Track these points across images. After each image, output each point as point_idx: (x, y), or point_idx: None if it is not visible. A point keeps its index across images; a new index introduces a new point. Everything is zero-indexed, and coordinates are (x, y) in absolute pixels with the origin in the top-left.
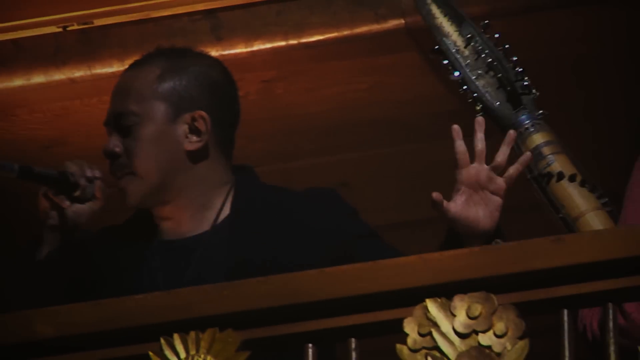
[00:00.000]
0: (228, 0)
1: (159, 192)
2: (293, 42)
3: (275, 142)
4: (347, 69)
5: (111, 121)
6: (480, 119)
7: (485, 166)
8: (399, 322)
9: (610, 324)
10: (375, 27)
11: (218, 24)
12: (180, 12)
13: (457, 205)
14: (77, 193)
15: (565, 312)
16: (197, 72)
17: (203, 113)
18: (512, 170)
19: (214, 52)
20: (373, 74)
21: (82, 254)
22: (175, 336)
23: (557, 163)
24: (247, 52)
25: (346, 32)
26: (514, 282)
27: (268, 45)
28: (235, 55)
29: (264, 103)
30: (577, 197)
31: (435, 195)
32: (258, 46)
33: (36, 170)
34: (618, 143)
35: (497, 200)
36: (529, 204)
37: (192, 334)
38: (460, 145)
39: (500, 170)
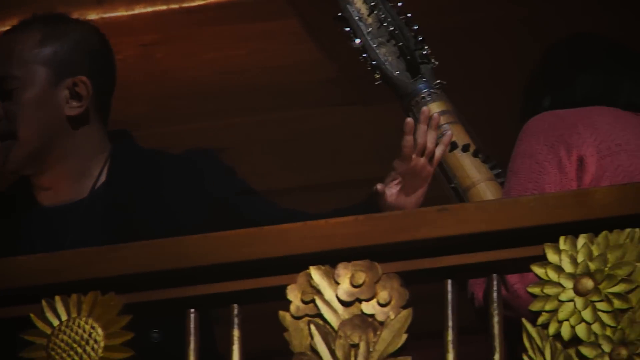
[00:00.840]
0: None
1: (38, 157)
2: (174, 6)
3: (154, 106)
4: (227, 34)
5: None
6: (425, 110)
7: (422, 158)
8: (282, 289)
9: (494, 295)
10: None
11: None
12: None
13: (392, 195)
14: None
15: (449, 282)
16: (78, 38)
17: (84, 78)
18: (438, 152)
19: (95, 15)
20: (253, 40)
21: None
22: (57, 298)
23: (452, 132)
24: (128, 16)
25: None
26: (398, 251)
27: (149, 9)
28: (116, 18)
29: (143, 67)
30: (469, 167)
31: (380, 187)
32: (139, 9)
33: None
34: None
35: (425, 186)
36: None
37: (74, 296)
38: (408, 140)
39: (430, 153)
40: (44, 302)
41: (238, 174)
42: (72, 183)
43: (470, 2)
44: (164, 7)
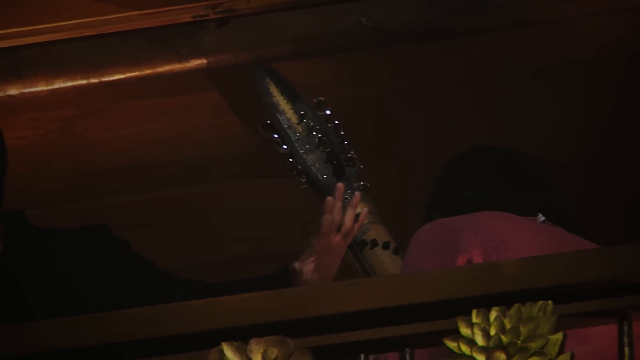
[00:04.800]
0: (29, 38)
1: None
2: (94, 80)
3: (75, 182)
4: (147, 108)
5: None
6: (340, 187)
7: (338, 235)
8: None
9: None
10: (177, 66)
11: (19, 62)
12: None
13: (308, 272)
14: None
15: (362, 356)
16: None
17: None
18: (355, 228)
19: (14, 90)
20: (174, 114)
21: None
22: None
23: (373, 231)
24: (48, 90)
25: (147, 71)
26: (311, 325)
27: (69, 84)
28: (36, 93)
29: (64, 142)
30: (388, 264)
31: (297, 265)
32: (59, 84)
33: None
34: (415, 186)
35: (338, 262)
36: None
37: None
38: (327, 218)
39: (347, 230)
40: None
41: (131, 248)
42: None
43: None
44: (84, 82)
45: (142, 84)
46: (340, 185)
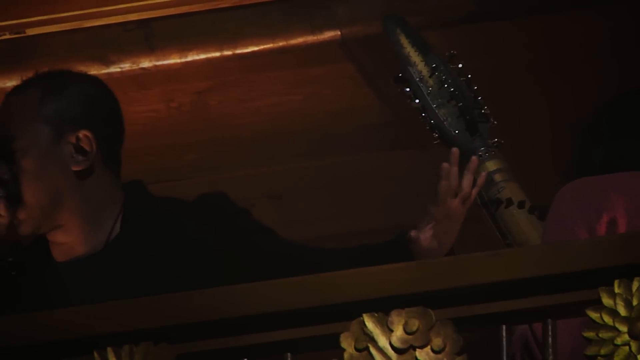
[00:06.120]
0: (162, 10)
1: (49, 216)
2: (227, 52)
3: (208, 154)
4: (281, 80)
5: None
6: (455, 151)
7: (457, 200)
8: (335, 337)
9: (549, 340)
10: (310, 38)
11: (151, 34)
12: (113, 22)
13: (426, 239)
14: None
15: (504, 327)
16: (77, 91)
17: (87, 132)
18: (473, 194)
19: (148, 63)
20: (307, 85)
21: None
22: (109, 349)
23: (507, 190)
24: (181, 63)
25: (281, 43)
26: (452, 297)
27: (202, 56)
28: (169, 65)
29: (197, 114)
30: (524, 224)
31: (414, 233)
32: (192, 57)
33: None
34: (545, 155)
35: (457, 228)
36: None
37: (126, 347)
38: (445, 184)
39: (465, 195)
40: (95, 354)
41: (252, 214)
42: (87, 236)
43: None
44: (218, 54)
45: (275, 56)
46: (455, 150)
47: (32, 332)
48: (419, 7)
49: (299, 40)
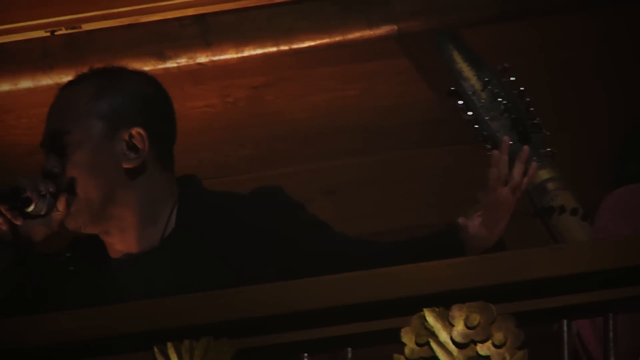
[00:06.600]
0: (219, 5)
1: (98, 211)
2: (284, 48)
3: (263, 149)
4: (336, 75)
5: (47, 142)
6: (506, 139)
7: (507, 189)
8: (396, 332)
9: (610, 334)
10: (367, 33)
11: (208, 29)
12: (170, 17)
13: (475, 227)
14: (30, 209)
15: (565, 322)
16: (131, 89)
17: (140, 129)
18: (524, 183)
19: (204, 58)
20: (362, 81)
21: (37, 279)
22: (169, 344)
23: (560, 198)
24: (237, 58)
25: (338, 38)
26: (513, 291)
27: (259, 51)
28: (225, 61)
29: (253, 109)
30: (577, 231)
31: (462, 220)
32: (248, 52)
33: None
34: (598, 152)
35: (507, 217)
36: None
37: (186, 342)
38: (494, 172)
39: (516, 184)
40: (155, 349)
41: (307, 208)
42: (141, 232)
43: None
44: (274, 49)
45: (331, 51)
46: (506, 138)
47: (93, 327)
48: (473, 2)
49: (356, 35)
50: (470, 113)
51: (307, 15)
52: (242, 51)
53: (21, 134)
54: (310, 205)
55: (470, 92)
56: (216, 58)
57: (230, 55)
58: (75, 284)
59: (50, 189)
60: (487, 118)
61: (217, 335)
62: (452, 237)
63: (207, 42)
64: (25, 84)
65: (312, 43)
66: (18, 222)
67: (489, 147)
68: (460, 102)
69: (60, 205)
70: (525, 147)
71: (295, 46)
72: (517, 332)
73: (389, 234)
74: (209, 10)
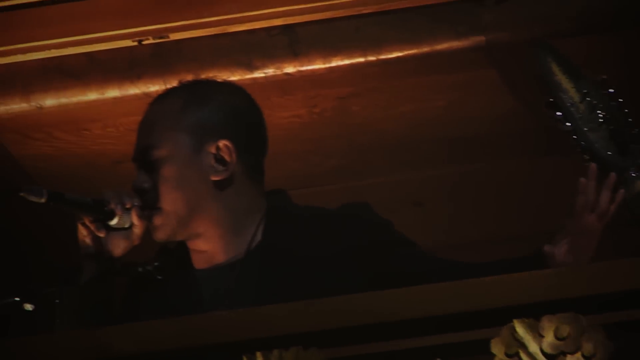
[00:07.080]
0: (306, 15)
1: (186, 224)
2: (371, 58)
3: (350, 159)
4: (424, 85)
5: (137, 157)
6: (593, 167)
7: (594, 216)
8: (485, 343)
9: None
10: (455, 43)
11: (296, 39)
12: (258, 27)
13: (561, 253)
14: (113, 222)
15: None
16: (219, 101)
17: (228, 142)
18: (609, 211)
19: (292, 68)
20: (450, 91)
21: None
22: (258, 354)
23: (623, 191)
24: (325, 68)
25: (425, 49)
26: (603, 302)
27: (346, 62)
28: (313, 71)
29: (340, 120)
30: None
31: (548, 248)
32: (336, 62)
33: (67, 197)
34: None
35: (594, 244)
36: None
37: (275, 352)
38: (581, 199)
39: (603, 211)
40: (244, 358)
41: (395, 227)
42: (227, 244)
43: None
44: (362, 60)
45: (419, 62)
46: (593, 165)
47: (179, 336)
48: (564, 13)
49: (444, 45)
50: (568, 124)
51: (395, 26)
52: (330, 61)
53: (107, 143)
54: (397, 216)
55: (568, 104)
56: (304, 68)
57: (317, 65)
58: (161, 293)
59: (136, 203)
60: (585, 129)
61: (306, 344)
62: (539, 263)
63: (295, 52)
64: (112, 93)
65: (399, 54)
66: (101, 234)
67: (587, 157)
68: (558, 113)
69: (134, 219)
70: (612, 174)
71: (382, 57)
72: (606, 343)
73: (474, 245)
74: (297, 21)
